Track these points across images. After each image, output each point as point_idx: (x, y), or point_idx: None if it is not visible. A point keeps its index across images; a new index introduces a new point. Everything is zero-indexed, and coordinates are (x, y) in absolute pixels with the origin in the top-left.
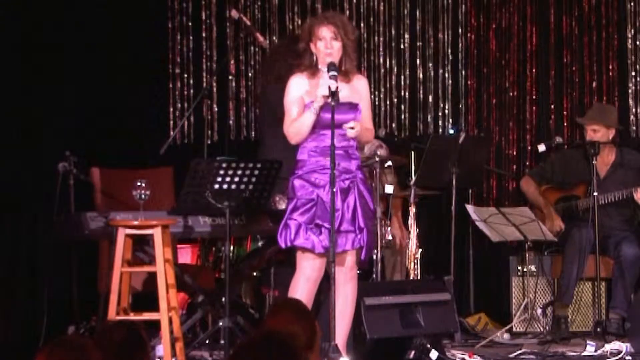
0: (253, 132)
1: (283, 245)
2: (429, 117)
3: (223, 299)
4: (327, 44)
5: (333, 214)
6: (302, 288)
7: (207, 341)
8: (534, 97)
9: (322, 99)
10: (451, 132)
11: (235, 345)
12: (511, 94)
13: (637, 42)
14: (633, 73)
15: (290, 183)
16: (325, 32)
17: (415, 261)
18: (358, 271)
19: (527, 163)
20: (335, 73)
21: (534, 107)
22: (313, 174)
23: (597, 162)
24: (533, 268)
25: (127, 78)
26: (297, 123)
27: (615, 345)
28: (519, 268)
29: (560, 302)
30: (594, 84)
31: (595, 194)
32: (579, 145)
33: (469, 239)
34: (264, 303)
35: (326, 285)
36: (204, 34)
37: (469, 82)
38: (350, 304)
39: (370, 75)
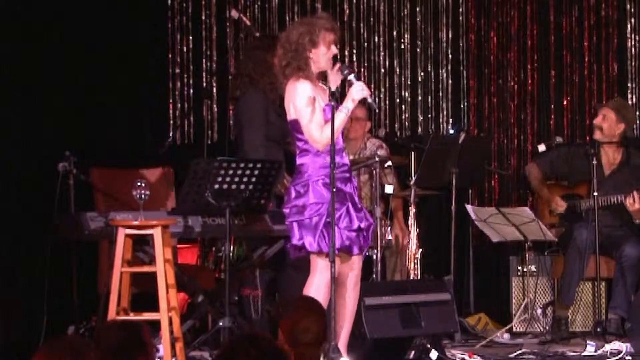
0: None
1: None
2: (429, 117)
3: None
4: (334, 49)
5: (333, 214)
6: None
7: (207, 341)
8: (534, 97)
9: (352, 102)
10: (451, 132)
11: (219, 346)
12: (511, 93)
13: (637, 42)
14: (633, 73)
15: (320, 186)
16: (333, 37)
17: (415, 261)
18: None
19: (527, 163)
20: (355, 72)
21: (534, 107)
22: (338, 172)
23: (603, 161)
24: (533, 268)
25: (127, 78)
26: (329, 128)
27: (615, 345)
28: (519, 268)
29: (561, 303)
30: (594, 84)
31: (596, 194)
32: (579, 145)
33: (469, 239)
34: (247, 304)
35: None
36: (204, 34)
37: (469, 82)
38: (355, 306)
39: (371, 75)
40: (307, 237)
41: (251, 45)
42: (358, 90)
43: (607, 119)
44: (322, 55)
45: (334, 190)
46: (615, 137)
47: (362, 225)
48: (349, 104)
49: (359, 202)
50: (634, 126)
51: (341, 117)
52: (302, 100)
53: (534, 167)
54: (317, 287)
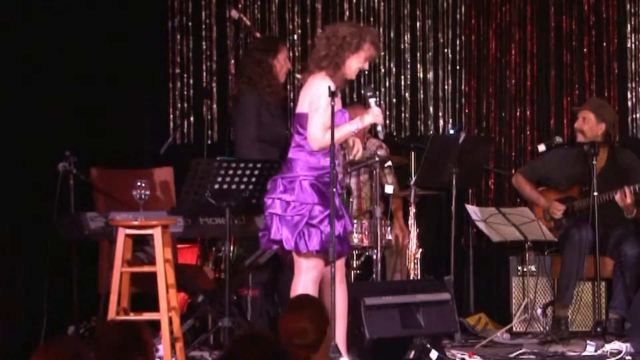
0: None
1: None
2: (429, 117)
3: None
4: (366, 65)
5: (333, 214)
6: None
7: (207, 341)
8: (534, 97)
9: (364, 122)
10: (451, 132)
11: (221, 347)
12: (511, 93)
13: (637, 42)
14: (633, 73)
15: (307, 186)
16: (375, 55)
17: (415, 261)
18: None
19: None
20: (376, 98)
21: (534, 107)
22: (327, 175)
23: (590, 162)
24: (533, 268)
25: (127, 78)
26: (336, 133)
27: (615, 345)
28: (519, 268)
29: (560, 303)
30: (594, 84)
31: (595, 193)
32: (579, 145)
33: (469, 239)
34: (246, 304)
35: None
36: (204, 34)
37: (469, 82)
38: (345, 302)
39: (371, 76)
40: (286, 234)
41: (252, 46)
42: (376, 115)
43: (587, 120)
44: (356, 64)
45: (334, 190)
46: (598, 138)
47: (341, 232)
48: (360, 123)
49: (341, 207)
50: (613, 125)
51: (349, 129)
52: (319, 97)
53: (520, 178)
54: (303, 286)
